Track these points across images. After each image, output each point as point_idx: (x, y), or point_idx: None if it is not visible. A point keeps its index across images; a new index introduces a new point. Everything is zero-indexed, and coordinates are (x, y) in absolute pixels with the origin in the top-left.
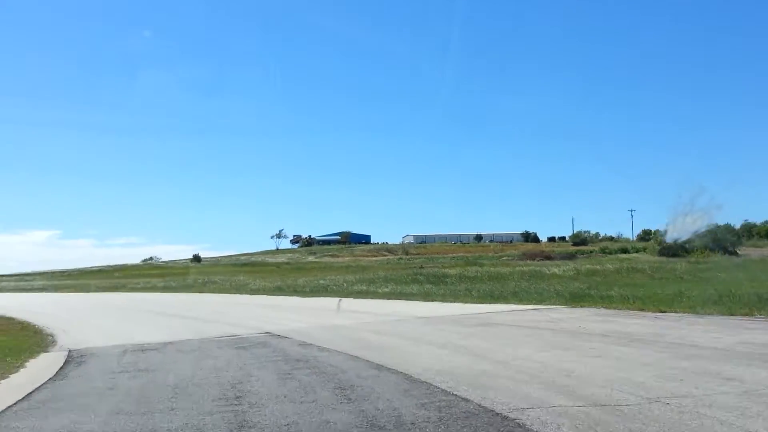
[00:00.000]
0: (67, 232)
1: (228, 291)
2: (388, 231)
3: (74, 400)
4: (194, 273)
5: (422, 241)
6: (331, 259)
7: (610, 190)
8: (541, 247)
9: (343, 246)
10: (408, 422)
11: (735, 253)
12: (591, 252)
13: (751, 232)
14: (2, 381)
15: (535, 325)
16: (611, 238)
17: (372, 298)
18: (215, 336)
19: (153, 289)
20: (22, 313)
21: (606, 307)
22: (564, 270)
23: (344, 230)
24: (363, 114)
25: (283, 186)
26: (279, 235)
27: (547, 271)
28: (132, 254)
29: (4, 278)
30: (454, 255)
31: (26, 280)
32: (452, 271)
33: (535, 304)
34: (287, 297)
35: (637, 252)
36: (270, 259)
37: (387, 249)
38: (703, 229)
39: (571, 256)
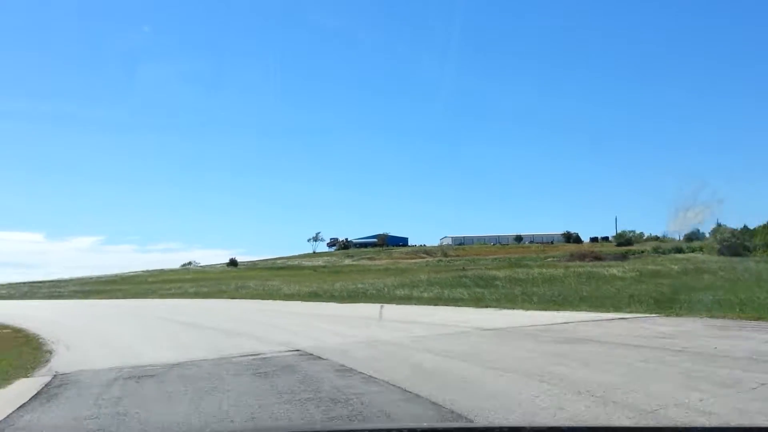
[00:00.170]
0: (110, 238)
1: (261, 297)
2: (424, 233)
3: None
4: (229, 277)
5: (460, 242)
6: (369, 262)
7: (652, 190)
8: (585, 248)
9: (381, 248)
10: None
11: None
12: (642, 252)
13: None
14: None
15: (639, 342)
16: (656, 238)
17: (416, 304)
18: (233, 355)
19: (184, 295)
20: (36, 323)
21: (710, 316)
22: (623, 271)
23: (381, 232)
24: (399, 117)
25: (320, 189)
26: (316, 239)
27: (605, 273)
28: (171, 259)
29: (36, 284)
30: (495, 256)
31: (60, 287)
32: (500, 273)
33: (613, 311)
34: (323, 303)
35: (692, 252)
36: (306, 263)
37: (425, 251)
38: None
39: (622, 257)
